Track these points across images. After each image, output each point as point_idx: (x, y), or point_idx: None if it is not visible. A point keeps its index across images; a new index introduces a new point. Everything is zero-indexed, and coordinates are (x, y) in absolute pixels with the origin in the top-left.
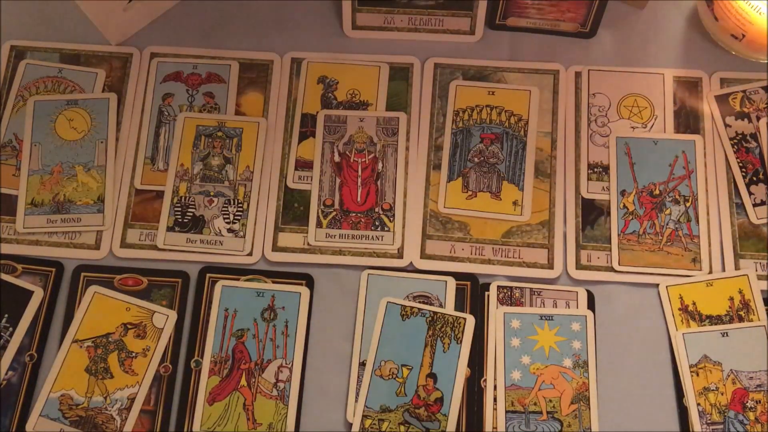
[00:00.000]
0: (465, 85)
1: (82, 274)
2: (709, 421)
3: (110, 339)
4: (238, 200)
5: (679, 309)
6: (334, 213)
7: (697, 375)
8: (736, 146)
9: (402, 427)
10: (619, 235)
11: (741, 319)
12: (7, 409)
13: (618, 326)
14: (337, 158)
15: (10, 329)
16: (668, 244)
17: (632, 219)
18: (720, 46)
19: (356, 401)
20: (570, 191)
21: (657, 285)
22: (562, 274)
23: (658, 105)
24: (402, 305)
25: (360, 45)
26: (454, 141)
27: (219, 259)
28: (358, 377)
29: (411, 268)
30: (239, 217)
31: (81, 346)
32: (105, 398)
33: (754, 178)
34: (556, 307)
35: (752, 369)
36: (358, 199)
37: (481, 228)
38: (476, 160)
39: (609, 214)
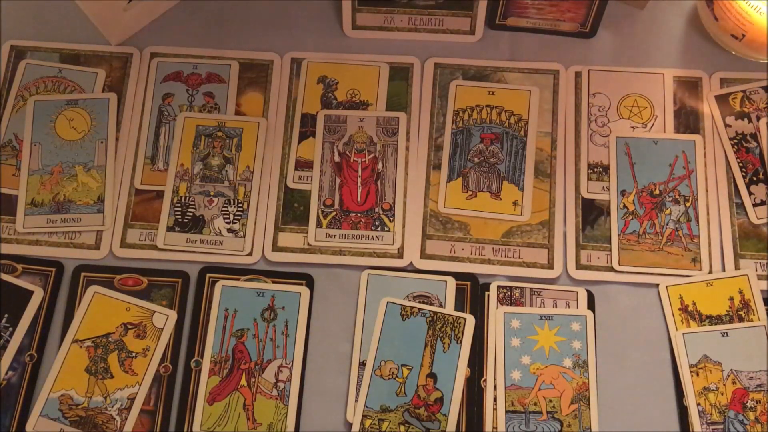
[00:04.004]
0: (465, 85)
1: (82, 274)
2: (709, 421)
3: (110, 339)
4: (238, 200)
5: (679, 309)
6: (334, 213)
7: (697, 375)
8: (736, 146)
9: (402, 427)
10: (619, 235)
11: (741, 319)
12: (7, 409)
13: (618, 326)
14: (337, 158)
15: (10, 329)
16: (668, 244)
17: (632, 219)
18: (720, 46)
19: (356, 401)
20: (570, 191)
21: (657, 285)
22: (562, 274)
23: (658, 105)
24: (402, 305)
25: (360, 45)
26: (454, 141)
27: (219, 259)
28: (358, 377)
29: (411, 268)
30: (239, 217)
31: (81, 346)
32: (105, 398)
33: (754, 178)
34: (556, 307)
35: (752, 369)
36: (358, 199)
37: (481, 228)
38: (476, 160)
39: (609, 214)
